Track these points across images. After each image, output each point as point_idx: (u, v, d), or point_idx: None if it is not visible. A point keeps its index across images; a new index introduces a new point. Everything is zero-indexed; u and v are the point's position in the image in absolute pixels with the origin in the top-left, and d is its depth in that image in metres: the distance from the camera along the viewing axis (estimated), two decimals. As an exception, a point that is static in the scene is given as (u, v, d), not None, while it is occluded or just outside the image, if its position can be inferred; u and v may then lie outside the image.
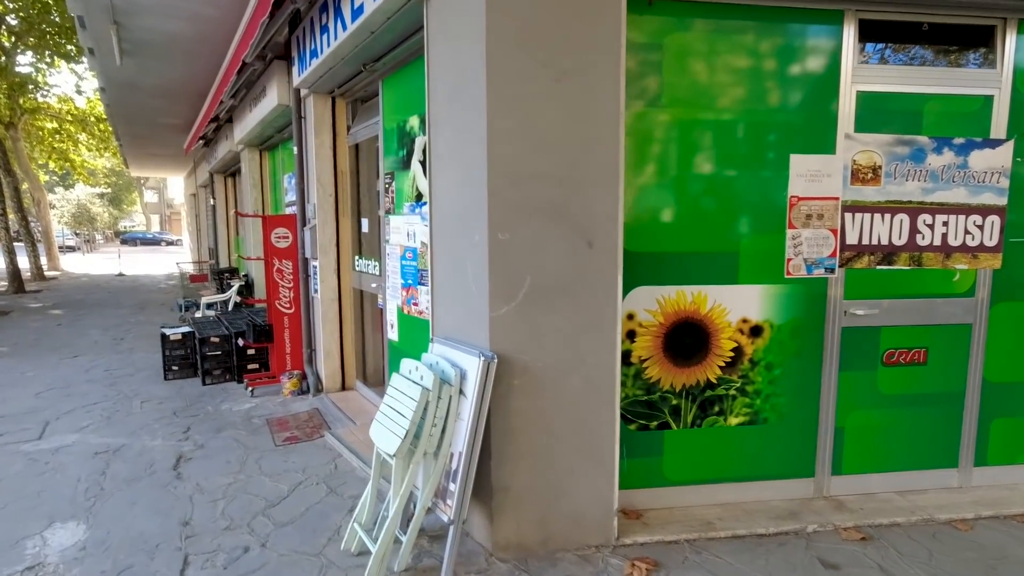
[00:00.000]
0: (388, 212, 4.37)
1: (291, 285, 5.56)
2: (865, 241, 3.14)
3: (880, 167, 3.09)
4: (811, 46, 2.99)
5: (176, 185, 30.65)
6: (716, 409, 3.16)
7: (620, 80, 2.64)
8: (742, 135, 3.00)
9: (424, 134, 3.74)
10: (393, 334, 4.43)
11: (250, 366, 6.01)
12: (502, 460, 2.75)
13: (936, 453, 3.33)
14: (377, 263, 4.73)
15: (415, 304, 4.04)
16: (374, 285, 4.74)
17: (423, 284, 3.89)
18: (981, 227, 3.18)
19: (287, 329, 5.60)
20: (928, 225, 3.16)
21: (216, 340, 5.93)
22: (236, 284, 8.25)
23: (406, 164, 4.05)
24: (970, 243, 3.18)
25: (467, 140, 2.73)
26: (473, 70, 2.63)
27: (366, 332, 5.47)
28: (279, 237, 5.55)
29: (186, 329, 6.25)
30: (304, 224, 5.45)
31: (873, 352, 3.22)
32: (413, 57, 3.81)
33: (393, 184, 4.27)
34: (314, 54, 4.40)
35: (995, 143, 3.13)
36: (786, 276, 3.11)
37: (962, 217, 3.16)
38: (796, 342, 3.16)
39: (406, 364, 2.87)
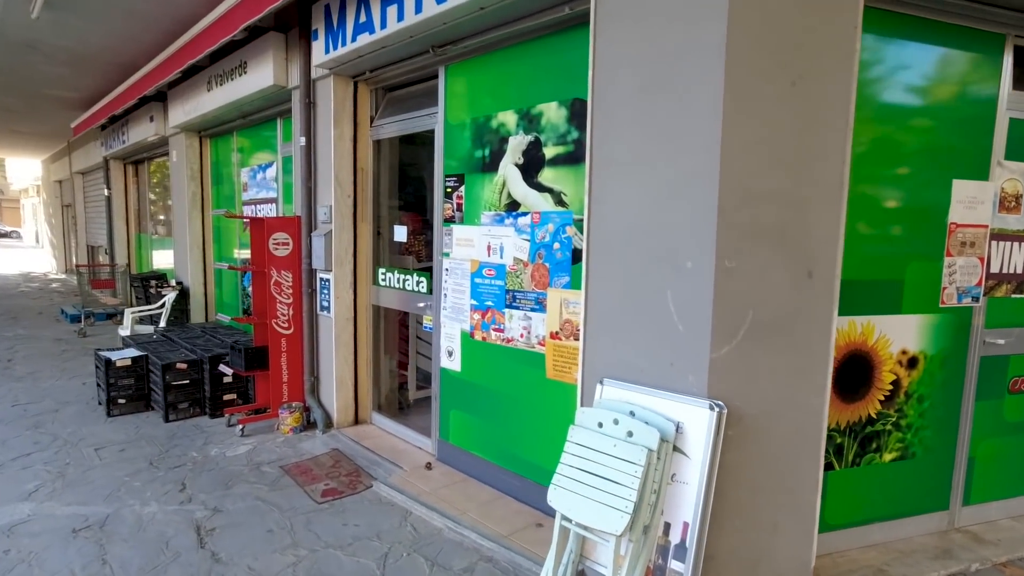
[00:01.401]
0: (450, 221, 3.77)
1: (290, 301, 4.68)
2: (1005, 270, 3.12)
3: (1022, 196, 3.09)
4: (974, 68, 2.90)
5: (18, 168, 25.89)
6: (874, 446, 2.98)
7: (852, 90, 2.35)
8: (911, 157, 2.85)
9: (524, 133, 3.24)
10: (451, 362, 3.83)
11: (226, 397, 5.00)
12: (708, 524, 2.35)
13: (1042, 476, 3.41)
14: (423, 279, 4.07)
15: (497, 330, 3.49)
16: (421, 304, 4.07)
17: (517, 307, 3.37)
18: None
19: (284, 353, 4.70)
20: (1053, 255, 3.22)
21: (183, 367, 4.86)
22: (172, 294, 6.93)
23: (489, 167, 3.49)
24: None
25: (679, 147, 2.29)
26: (698, 61, 2.21)
27: (380, 356, 4.75)
28: (278, 244, 4.64)
29: (135, 353, 5.07)
30: (312, 229, 4.61)
31: (1002, 380, 3.22)
32: (511, 41, 3.28)
33: (461, 189, 3.68)
34: (365, 28, 3.67)
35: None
36: (940, 305, 3.00)
37: (1077, 247, 3.25)
38: (943, 373, 3.07)
39: (592, 414, 2.37)
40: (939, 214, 2.93)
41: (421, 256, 4.97)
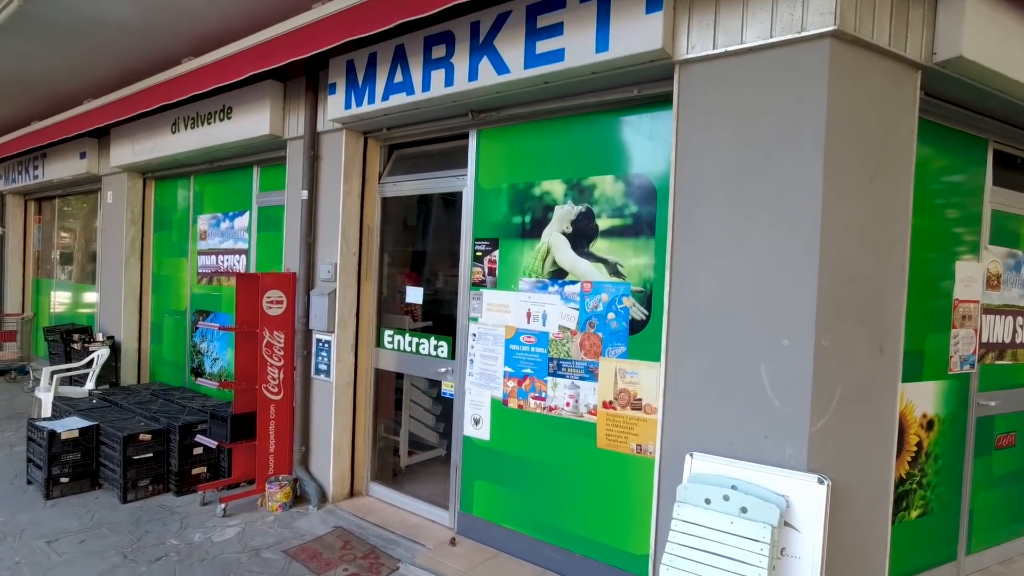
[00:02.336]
0: (480, 285, 3.71)
1: (281, 364, 4.32)
2: (991, 339, 3.55)
3: (1000, 275, 3.56)
4: (967, 167, 3.35)
5: None
6: (903, 504, 3.20)
7: (911, 185, 2.64)
8: (928, 242, 3.20)
9: (574, 203, 3.31)
10: (478, 431, 3.70)
11: (195, 471, 4.46)
12: (807, 596, 2.39)
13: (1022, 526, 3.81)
14: (444, 343, 3.94)
15: (538, 398, 3.44)
16: (442, 369, 3.91)
17: (562, 376, 3.34)
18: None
19: (273, 420, 4.30)
20: (1021, 326, 3.70)
21: (147, 438, 4.30)
22: (102, 350, 6.13)
23: (529, 233, 3.50)
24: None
25: (776, 230, 2.44)
26: (796, 154, 2.39)
27: (378, 422, 4.48)
28: (272, 302, 4.30)
29: (83, 423, 4.42)
30: (309, 287, 4.33)
31: (990, 438, 3.61)
32: (562, 114, 3.36)
33: (495, 254, 3.65)
34: (401, 89, 3.61)
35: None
36: (948, 372, 3.34)
37: (1037, 319, 3.77)
38: (952, 433, 3.39)
39: (697, 490, 2.37)
40: (947, 291, 3.29)
41: (417, 316, 4.81)
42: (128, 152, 6.13)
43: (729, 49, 2.54)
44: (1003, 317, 3.60)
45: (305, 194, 4.31)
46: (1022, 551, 3.80)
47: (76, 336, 6.65)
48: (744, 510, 2.25)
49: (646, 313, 3.08)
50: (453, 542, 3.68)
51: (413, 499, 4.16)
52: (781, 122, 2.44)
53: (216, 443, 4.24)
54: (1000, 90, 2.86)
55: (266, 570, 3.36)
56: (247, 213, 5.47)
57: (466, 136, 3.84)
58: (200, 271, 6.01)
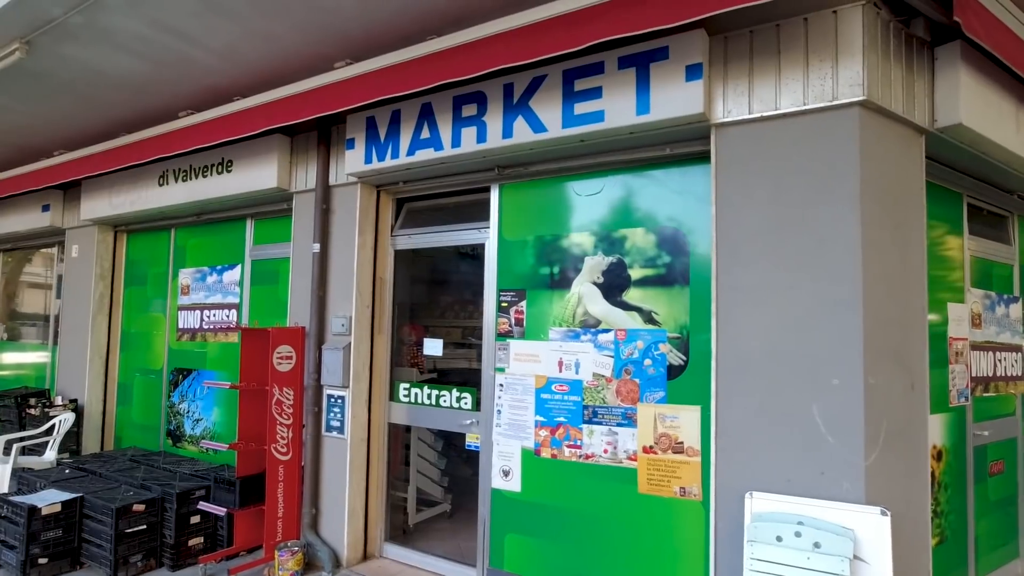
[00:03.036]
0: (506, 336, 3.75)
1: (290, 422, 4.15)
2: (978, 374, 3.87)
3: (981, 314, 3.92)
4: (948, 218, 3.73)
5: None
6: (925, 534, 3.38)
7: (924, 235, 2.93)
8: (929, 283, 3.49)
9: (604, 255, 3.46)
10: (508, 483, 3.67)
11: (192, 542, 4.16)
12: (873, 629, 2.48)
13: (1012, 549, 4.07)
14: (467, 394, 3.92)
15: (573, 446, 3.46)
16: (467, 422, 3.88)
17: (599, 423, 3.40)
18: (1017, 361, 4.21)
19: (282, 482, 4.09)
20: (999, 360, 4.06)
21: (141, 508, 3.99)
22: (66, 415, 5.66)
23: (558, 284, 3.60)
24: (1013, 373, 4.18)
25: (818, 277, 2.63)
26: (834, 207, 2.62)
27: (392, 480, 4.35)
28: (282, 358, 4.17)
29: (65, 495, 4.07)
30: (321, 342, 4.23)
31: (984, 465, 3.88)
32: (590, 169, 3.53)
33: (522, 304, 3.72)
34: (429, 144, 3.70)
35: (1016, 299, 4.26)
36: (949, 405, 3.61)
37: (1010, 354, 4.15)
38: (956, 463, 3.63)
39: (767, 528, 2.44)
40: (942, 331, 3.60)
41: (423, 368, 4.76)
42: (104, 204, 5.87)
43: (764, 114, 2.79)
44: (985, 352, 3.95)
45: (317, 247, 4.26)
46: (1016, 572, 4.05)
47: (32, 400, 6.13)
48: (817, 545, 2.34)
49: (684, 358, 3.20)
50: (487, 601, 3.57)
51: (433, 558, 4.02)
52: (816, 180, 2.68)
53: (225, 511, 3.98)
54: (983, 152, 3.24)
55: (295, 646, 3.15)
56: (239, 266, 5.32)
57: (486, 190, 3.95)
58: (181, 327, 5.74)
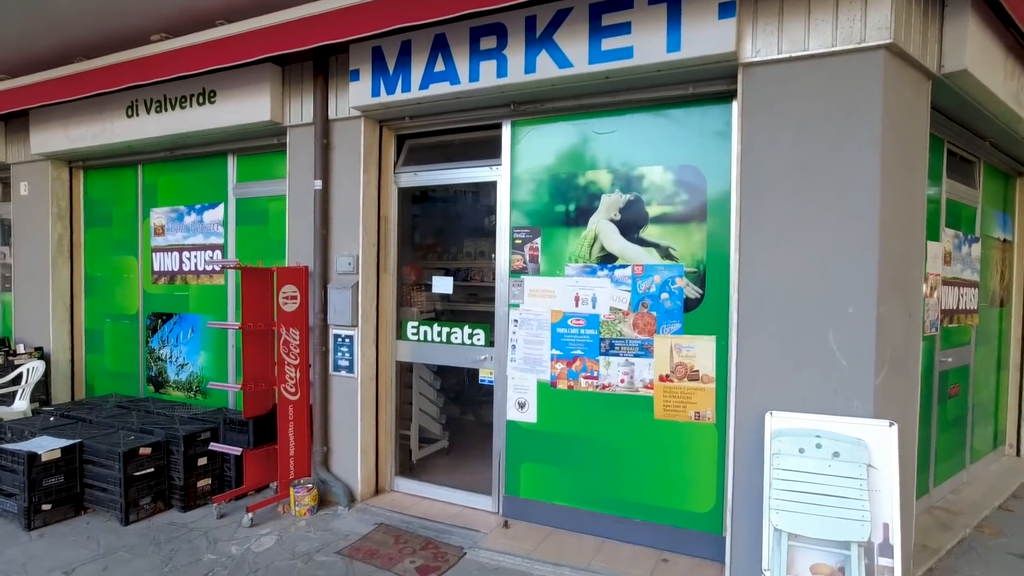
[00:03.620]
0: (520, 272, 3.82)
1: (297, 362, 4.12)
2: (946, 307, 4.26)
3: (951, 253, 4.28)
4: (934, 161, 3.98)
5: None
6: (899, 447, 3.78)
7: (925, 177, 3.14)
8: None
9: (622, 192, 3.54)
10: (523, 415, 3.82)
11: (200, 483, 4.14)
12: (874, 526, 2.81)
13: (960, 461, 4.60)
14: (480, 331, 3.99)
15: (590, 377, 3.63)
16: (481, 357, 3.96)
17: (615, 355, 3.56)
18: (975, 296, 4.63)
19: (292, 422, 4.09)
20: (962, 295, 4.47)
21: (147, 452, 3.93)
22: (35, 364, 5.36)
23: (574, 221, 3.68)
24: (971, 307, 4.60)
25: (839, 216, 2.81)
26: (857, 150, 2.77)
27: (400, 416, 4.43)
28: (287, 298, 4.08)
29: (65, 441, 3.94)
30: (326, 282, 4.17)
31: (945, 388, 4.33)
32: (608, 107, 3.54)
33: (536, 241, 3.78)
34: (444, 78, 3.60)
35: (977, 239, 4.65)
36: (924, 334, 3.97)
37: (970, 289, 4.57)
38: (926, 386, 4.03)
39: (789, 441, 2.69)
40: (923, 265, 3.91)
41: (422, 307, 4.79)
42: (59, 137, 5.42)
43: (793, 55, 2.87)
44: (952, 287, 4.33)
45: (319, 184, 4.13)
46: (963, 481, 4.60)
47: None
48: (837, 454, 2.60)
49: (700, 292, 3.37)
50: (506, 525, 3.77)
51: (446, 489, 4.17)
52: (840, 122, 2.82)
53: (240, 450, 3.96)
54: (974, 97, 3.46)
55: (330, 573, 3.26)
56: (221, 205, 5.09)
57: (497, 127, 3.91)
58: (158, 270, 5.48)
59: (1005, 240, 5.26)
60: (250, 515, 3.81)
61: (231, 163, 5.03)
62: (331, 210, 4.19)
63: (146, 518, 3.92)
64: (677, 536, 3.42)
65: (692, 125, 3.39)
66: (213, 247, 5.14)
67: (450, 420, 5.27)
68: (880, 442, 2.67)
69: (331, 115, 4.16)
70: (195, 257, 5.24)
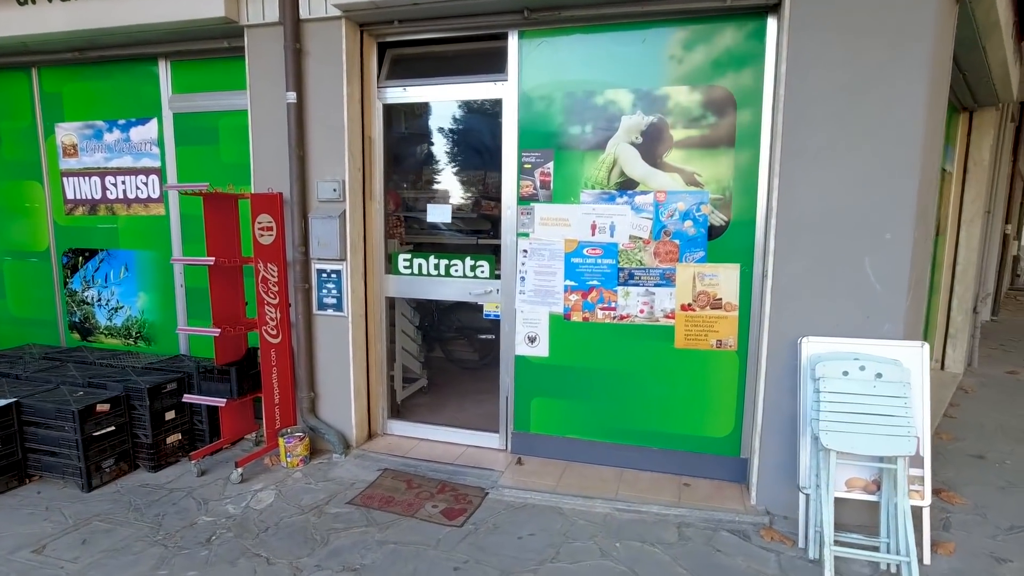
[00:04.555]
0: (530, 199, 3.57)
1: (277, 301, 3.67)
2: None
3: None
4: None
5: None
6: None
7: (945, 114, 3.20)
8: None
9: (644, 114, 3.36)
10: (533, 349, 3.69)
11: (170, 439, 3.68)
12: (893, 439, 2.98)
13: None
14: (484, 262, 3.73)
15: (607, 308, 3.53)
16: (486, 290, 3.72)
17: (635, 284, 3.47)
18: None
19: (275, 367, 3.68)
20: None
21: (105, 408, 3.40)
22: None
23: (591, 144, 3.45)
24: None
25: (881, 140, 2.79)
26: (905, 73, 2.73)
27: (390, 356, 4.14)
28: (263, 228, 3.57)
29: (1, 401, 3.32)
30: (304, 210, 3.69)
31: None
32: (631, 19, 3.27)
33: (548, 166, 3.53)
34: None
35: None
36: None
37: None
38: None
39: (833, 365, 2.74)
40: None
41: (403, 239, 4.42)
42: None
43: (849, -33, 2.74)
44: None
45: (293, 96, 3.56)
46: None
47: None
48: (880, 375, 2.69)
49: (725, 219, 3.31)
50: (520, 462, 3.68)
51: (444, 428, 4.00)
52: (889, 42, 2.75)
53: (224, 401, 3.52)
54: (980, 29, 3.53)
55: (349, 525, 3.03)
56: (153, 121, 4.32)
57: (501, 37, 3.52)
58: (72, 199, 4.64)
59: (945, 170, 5.66)
60: (239, 470, 3.45)
61: (164, 70, 4.24)
62: (307, 128, 3.66)
63: (110, 482, 3.44)
64: (696, 461, 3.50)
65: (725, 44, 3.20)
66: (147, 171, 4.39)
67: (427, 358, 5.05)
68: (913, 362, 2.80)
69: (303, 14, 3.55)
70: (124, 183, 4.46)
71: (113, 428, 3.43)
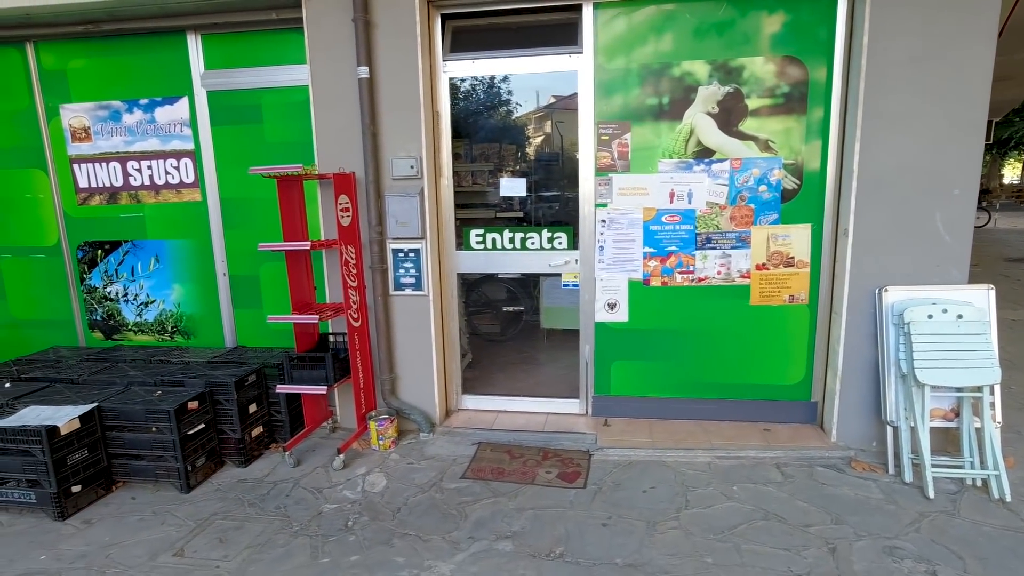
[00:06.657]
0: (607, 170, 3.68)
1: (356, 284, 3.59)
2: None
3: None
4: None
5: None
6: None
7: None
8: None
9: (720, 84, 3.53)
10: (614, 315, 3.84)
11: (255, 432, 3.56)
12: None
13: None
14: (563, 234, 3.80)
15: (686, 272, 3.72)
16: (562, 261, 3.80)
17: (713, 248, 3.68)
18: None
19: (358, 351, 3.62)
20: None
21: (195, 406, 3.25)
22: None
23: (668, 115, 3.58)
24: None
25: (952, 103, 3.09)
26: (974, 41, 3.02)
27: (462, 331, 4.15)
28: (343, 210, 3.46)
29: (82, 407, 3.08)
30: (379, 189, 3.60)
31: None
32: (709, -6, 3.40)
33: (626, 136, 3.64)
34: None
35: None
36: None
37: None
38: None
39: (920, 310, 3.05)
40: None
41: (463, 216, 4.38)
42: None
43: (928, -56, 2.97)
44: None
45: (365, 71, 3.44)
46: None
47: None
48: (961, 316, 3.03)
49: (797, 183, 3.54)
50: (607, 423, 3.84)
51: (519, 399, 4.10)
52: (962, 14, 3.03)
53: (325, 389, 3.43)
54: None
55: (477, 497, 3.09)
56: (183, 100, 4.03)
57: (575, 8, 3.55)
58: (85, 187, 4.26)
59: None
60: (342, 456, 3.40)
61: (194, 44, 3.95)
62: (378, 104, 3.55)
63: (203, 481, 3.31)
64: (770, 408, 3.79)
65: (800, 13, 3.38)
66: (179, 154, 4.11)
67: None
68: (982, 303, 3.16)
69: (372, -15, 3.42)
70: (151, 167, 4.15)
71: (203, 426, 3.29)
